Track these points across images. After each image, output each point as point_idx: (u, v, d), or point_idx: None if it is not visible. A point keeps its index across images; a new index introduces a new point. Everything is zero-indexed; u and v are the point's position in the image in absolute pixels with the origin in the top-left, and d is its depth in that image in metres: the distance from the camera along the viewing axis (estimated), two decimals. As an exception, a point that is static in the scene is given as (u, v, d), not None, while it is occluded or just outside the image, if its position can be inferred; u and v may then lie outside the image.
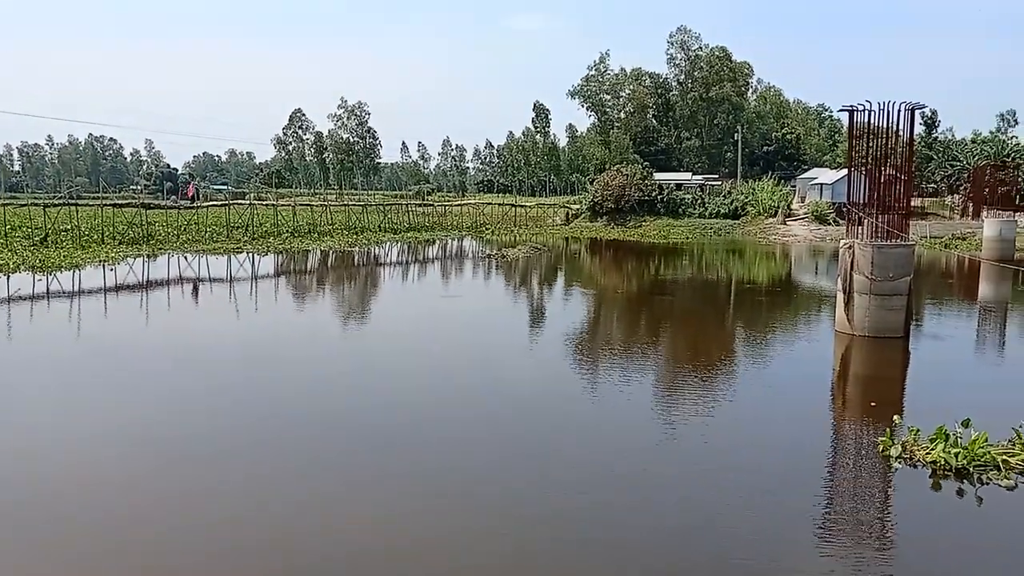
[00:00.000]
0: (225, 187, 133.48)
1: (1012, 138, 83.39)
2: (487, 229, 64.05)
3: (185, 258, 36.99)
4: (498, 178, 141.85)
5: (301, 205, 62.92)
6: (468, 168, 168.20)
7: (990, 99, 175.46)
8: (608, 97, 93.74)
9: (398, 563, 7.57)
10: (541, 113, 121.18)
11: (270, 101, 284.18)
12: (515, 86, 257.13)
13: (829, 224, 57.74)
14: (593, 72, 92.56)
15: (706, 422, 12.00)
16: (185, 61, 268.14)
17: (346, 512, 8.71)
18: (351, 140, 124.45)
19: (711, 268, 40.45)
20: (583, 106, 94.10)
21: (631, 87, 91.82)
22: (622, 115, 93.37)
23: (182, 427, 11.54)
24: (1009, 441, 10.15)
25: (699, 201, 67.45)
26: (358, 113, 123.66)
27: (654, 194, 67.72)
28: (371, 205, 66.72)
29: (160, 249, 40.02)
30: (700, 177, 77.03)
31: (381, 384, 14.53)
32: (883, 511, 9.00)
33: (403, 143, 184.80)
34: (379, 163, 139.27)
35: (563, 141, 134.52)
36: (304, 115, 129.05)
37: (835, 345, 18.69)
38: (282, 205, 64.21)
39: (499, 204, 76.61)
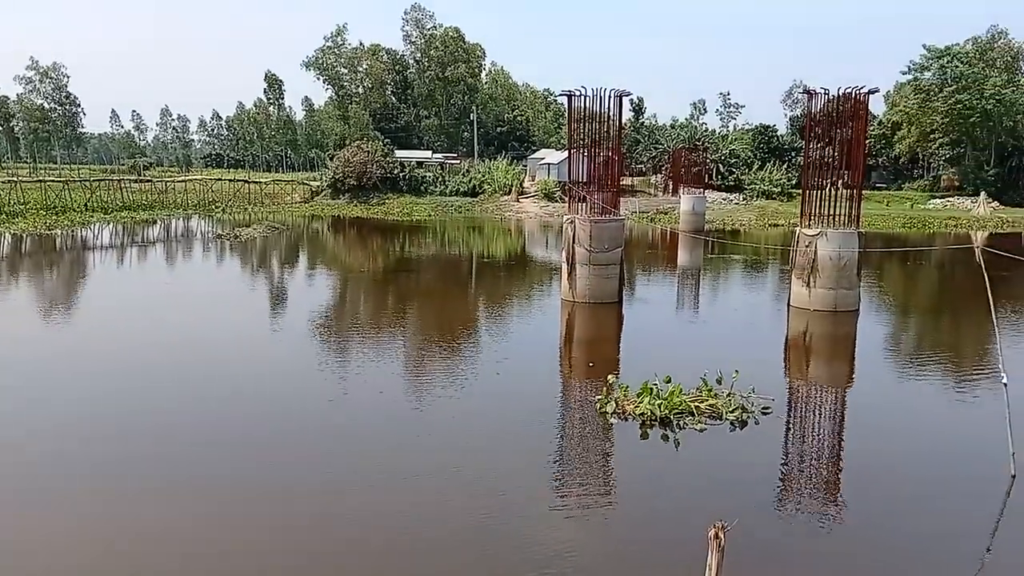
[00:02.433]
0: None
1: (703, 124, 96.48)
2: (217, 207, 59.62)
3: None
4: (228, 152, 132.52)
5: (-18, 181, 53.43)
6: (193, 141, 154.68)
7: (685, 89, 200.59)
8: (346, 71, 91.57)
9: None
10: (274, 84, 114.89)
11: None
12: (244, 53, 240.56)
13: (556, 201, 62.25)
14: (330, 44, 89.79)
15: (452, 396, 12.40)
16: None
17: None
18: (46, 107, 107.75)
19: (453, 244, 41.65)
20: (320, 78, 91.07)
21: (369, 62, 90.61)
22: (360, 90, 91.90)
23: None
24: (697, 389, 11.83)
25: (440, 179, 68.88)
26: (53, 76, 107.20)
27: (396, 171, 67.82)
28: (74, 181, 58.63)
29: None
30: (440, 156, 78.61)
31: (91, 395, 12.95)
32: (603, 462, 10.03)
33: (113, 111, 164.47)
34: (83, 133, 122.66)
35: (300, 114, 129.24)
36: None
37: (560, 312, 20.32)
38: (-45, 181, 54.00)
39: (230, 180, 71.57)
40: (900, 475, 9.64)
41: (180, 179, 70.51)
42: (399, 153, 73.00)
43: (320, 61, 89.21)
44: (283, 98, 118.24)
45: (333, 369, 14.41)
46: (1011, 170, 67.94)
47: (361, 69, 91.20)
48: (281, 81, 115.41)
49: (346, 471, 9.32)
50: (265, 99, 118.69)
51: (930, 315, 22.32)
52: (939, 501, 8.90)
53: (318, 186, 70.69)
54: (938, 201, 66.75)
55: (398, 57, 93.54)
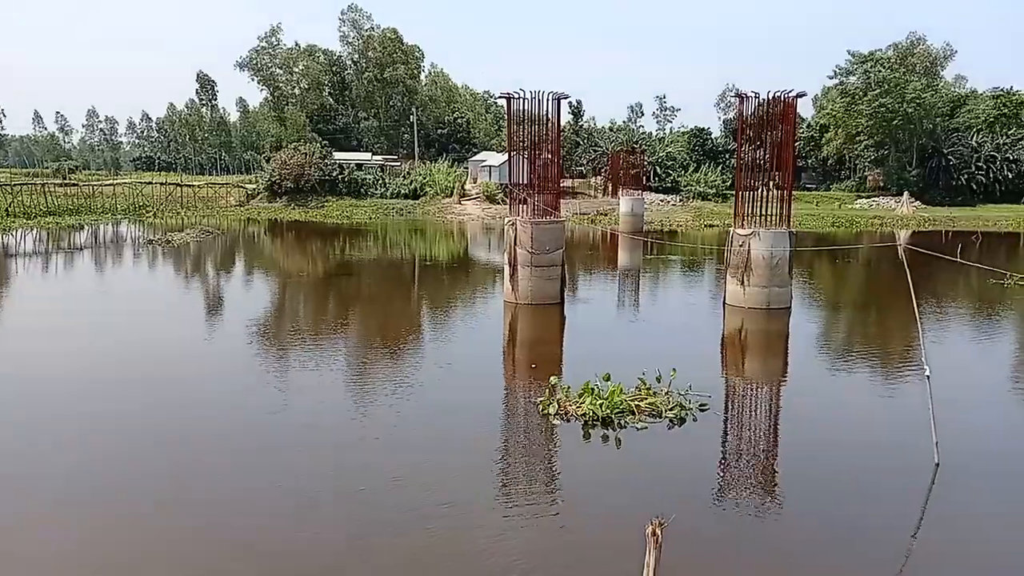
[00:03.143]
0: None
1: (640, 127, 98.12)
2: (148, 212, 57.72)
3: None
4: (160, 155, 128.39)
5: None
6: (122, 143, 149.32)
7: (623, 92, 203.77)
8: (281, 72, 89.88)
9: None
10: (206, 84, 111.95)
11: None
12: (176, 53, 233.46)
13: (499, 203, 62.40)
14: (264, 44, 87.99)
15: (393, 404, 12.27)
16: None
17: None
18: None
19: (395, 247, 41.29)
20: (254, 79, 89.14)
21: (305, 63, 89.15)
22: (297, 91, 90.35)
23: None
24: (636, 388, 12.01)
25: (380, 181, 68.26)
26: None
27: (335, 174, 66.91)
28: (-6, 185, 55.95)
29: None
30: (380, 158, 77.91)
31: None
32: (548, 465, 10.08)
33: (36, 113, 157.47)
34: (3, 136, 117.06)
35: (234, 116, 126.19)
36: None
37: (503, 314, 20.36)
38: None
39: (162, 183, 69.38)
40: (833, 466, 9.98)
41: (108, 183, 67.97)
42: (338, 155, 72.04)
43: (254, 61, 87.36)
44: (216, 99, 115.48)
45: (271, 379, 14.08)
46: (931, 171, 71.18)
47: (297, 70, 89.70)
48: (214, 82, 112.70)
49: (281, 487, 9.11)
50: (198, 100, 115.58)
51: (858, 311, 23.19)
52: (870, 490, 9.24)
53: (254, 189, 69.23)
54: (864, 201, 69.49)
55: (335, 58, 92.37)
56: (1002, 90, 77.42)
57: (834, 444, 10.78)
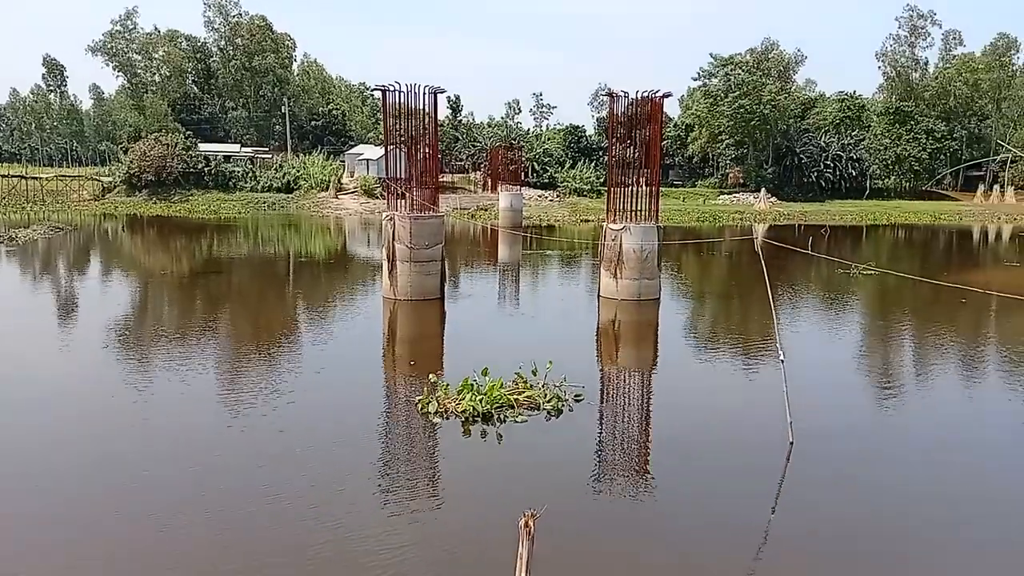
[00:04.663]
0: None
1: (518, 123, 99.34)
2: (-13, 207, 52.64)
3: None
4: (2, 145, 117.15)
5: None
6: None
7: (501, 89, 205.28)
8: (139, 58, 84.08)
9: None
10: (54, 69, 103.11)
11: None
12: (17, 35, 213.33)
13: (377, 198, 61.39)
14: (118, 28, 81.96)
15: (267, 413, 11.81)
16: None
17: None
18: None
19: (268, 244, 39.75)
20: (109, 64, 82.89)
21: (166, 48, 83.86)
22: (157, 78, 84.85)
23: None
24: (513, 382, 12.18)
25: (251, 174, 65.46)
26: None
27: (200, 166, 63.57)
28: None
29: None
30: (250, 150, 74.66)
31: None
32: (428, 463, 10.04)
33: None
34: None
35: (87, 103, 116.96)
36: None
37: (382, 310, 20.08)
38: None
39: (3, 176, 63.37)
40: (700, 448, 10.53)
41: (-62, 174, 61.41)
42: (203, 146, 68.43)
43: (109, 46, 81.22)
44: (66, 85, 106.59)
45: (134, 388, 13.22)
46: (786, 168, 76.35)
47: (157, 56, 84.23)
48: (63, 67, 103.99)
49: (149, 503, 8.58)
50: (44, 86, 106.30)
51: (721, 301, 24.57)
52: (734, 469, 9.82)
53: (111, 182, 64.71)
54: (726, 197, 73.60)
55: (199, 44, 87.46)
56: (846, 94, 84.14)
57: (700, 427, 11.38)
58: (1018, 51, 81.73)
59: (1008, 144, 65.71)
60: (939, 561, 7.78)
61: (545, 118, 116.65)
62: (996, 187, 77.41)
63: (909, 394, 13.62)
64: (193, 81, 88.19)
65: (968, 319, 20.28)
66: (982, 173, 79.58)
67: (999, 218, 63.70)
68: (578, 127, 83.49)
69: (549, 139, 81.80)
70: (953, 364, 15.89)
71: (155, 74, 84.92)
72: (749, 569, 7.45)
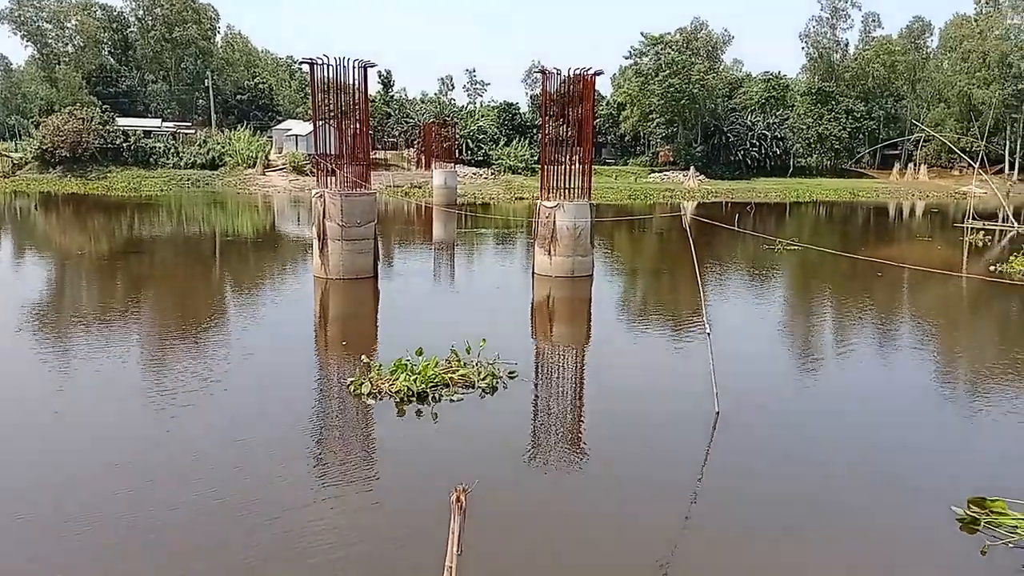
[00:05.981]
0: None
1: (451, 100, 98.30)
2: None
3: None
4: None
5: None
6: None
7: (434, 65, 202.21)
8: (50, 27, 79.43)
9: None
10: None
11: None
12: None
13: (307, 175, 60.01)
14: (26, -7, 77.12)
15: (191, 404, 11.49)
16: None
17: None
18: None
19: (192, 222, 38.43)
20: (17, 34, 78.06)
21: (79, 18, 79.43)
22: (71, 49, 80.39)
23: None
24: (447, 360, 12.17)
25: (173, 150, 63.06)
26: None
27: (119, 141, 60.85)
28: None
29: None
30: (172, 124, 71.76)
31: None
32: (362, 444, 9.97)
33: None
34: None
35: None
36: None
37: (313, 290, 19.73)
38: None
39: (-102, 151, 59.31)
40: (632, 420, 10.78)
41: None
42: (121, 121, 65.43)
43: (16, 15, 76.45)
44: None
45: (46, 377, 12.66)
46: (714, 147, 78.11)
47: (70, 25, 79.75)
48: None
49: (73, 503, 8.28)
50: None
51: (651, 277, 25.08)
52: (665, 440, 10.12)
53: (21, 158, 61.41)
54: (657, 175, 74.89)
55: (115, 14, 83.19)
56: (771, 74, 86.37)
57: (631, 399, 11.64)
58: (932, 34, 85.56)
59: (922, 124, 68.83)
60: (852, 512, 8.19)
61: (479, 95, 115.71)
62: (911, 165, 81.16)
63: (829, 362, 14.25)
64: (110, 52, 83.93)
65: (884, 291, 21.28)
66: (898, 152, 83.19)
67: (913, 195, 66.91)
68: (512, 104, 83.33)
69: (483, 116, 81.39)
70: (870, 333, 16.67)
71: (68, 44, 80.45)
72: (681, 525, 7.75)
